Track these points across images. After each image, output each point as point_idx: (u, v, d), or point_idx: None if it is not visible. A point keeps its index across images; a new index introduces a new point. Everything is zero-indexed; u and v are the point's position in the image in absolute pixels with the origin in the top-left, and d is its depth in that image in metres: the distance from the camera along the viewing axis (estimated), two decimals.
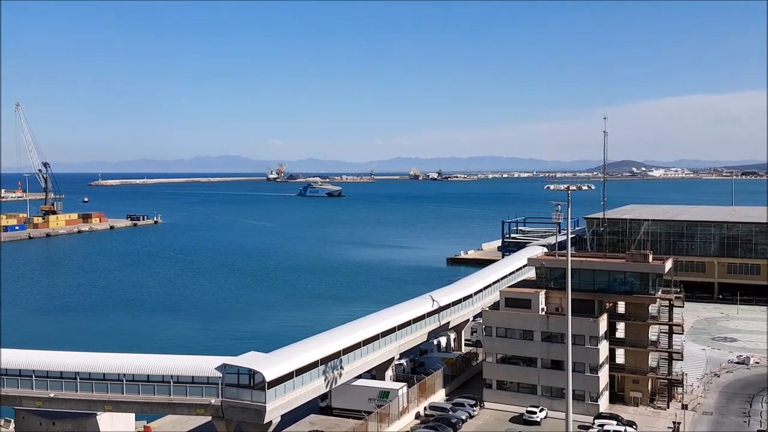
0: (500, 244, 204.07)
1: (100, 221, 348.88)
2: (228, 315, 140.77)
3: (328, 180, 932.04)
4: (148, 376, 63.63)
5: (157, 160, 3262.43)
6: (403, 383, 76.80)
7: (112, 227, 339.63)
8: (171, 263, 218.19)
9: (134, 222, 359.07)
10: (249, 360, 64.11)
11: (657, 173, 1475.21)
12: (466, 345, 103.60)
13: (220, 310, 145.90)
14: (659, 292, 77.65)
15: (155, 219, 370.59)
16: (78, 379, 63.94)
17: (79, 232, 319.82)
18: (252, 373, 61.91)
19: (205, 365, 63.71)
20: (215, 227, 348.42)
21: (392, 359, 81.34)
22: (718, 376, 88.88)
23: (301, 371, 64.89)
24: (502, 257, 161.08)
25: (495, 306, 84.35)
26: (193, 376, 62.86)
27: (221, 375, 62.28)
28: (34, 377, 64.55)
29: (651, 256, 79.25)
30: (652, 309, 78.43)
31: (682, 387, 79.77)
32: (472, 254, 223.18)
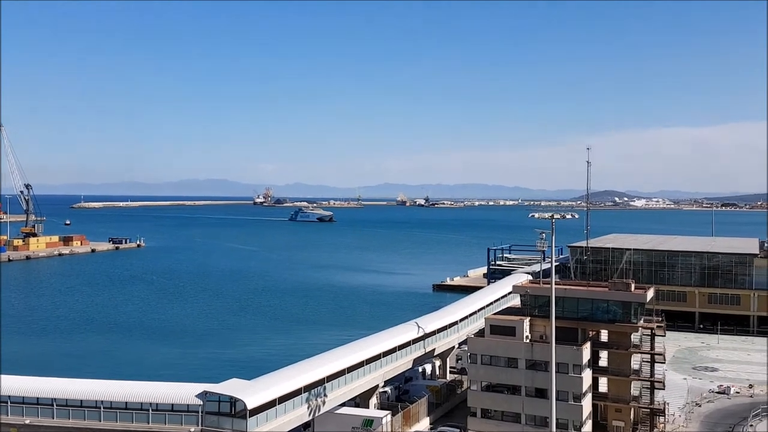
0: (486, 271, 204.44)
1: (81, 244, 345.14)
2: (210, 340, 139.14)
3: (316, 205, 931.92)
4: (126, 403, 62.64)
5: (142, 182, 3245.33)
6: (388, 411, 76.15)
7: (93, 250, 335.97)
8: (152, 287, 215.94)
9: (116, 245, 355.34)
10: (230, 387, 63.37)
11: (639, 203, 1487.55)
12: (451, 372, 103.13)
13: (201, 336, 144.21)
14: (641, 321, 78.01)
15: (138, 242, 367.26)
16: (54, 406, 62.81)
17: (60, 255, 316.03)
18: (233, 401, 61.16)
19: (185, 392, 62.85)
20: (200, 251, 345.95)
21: (377, 387, 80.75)
22: (700, 406, 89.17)
23: (283, 399, 64.22)
24: (488, 284, 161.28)
25: (480, 333, 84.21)
26: (172, 404, 61.97)
27: (202, 403, 61.46)
28: (9, 403, 63.33)
29: (633, 285, 79.73)
30: (635, 338, 78.69)
31: (664, 416, 79.87)
32: (458, 281, 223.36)
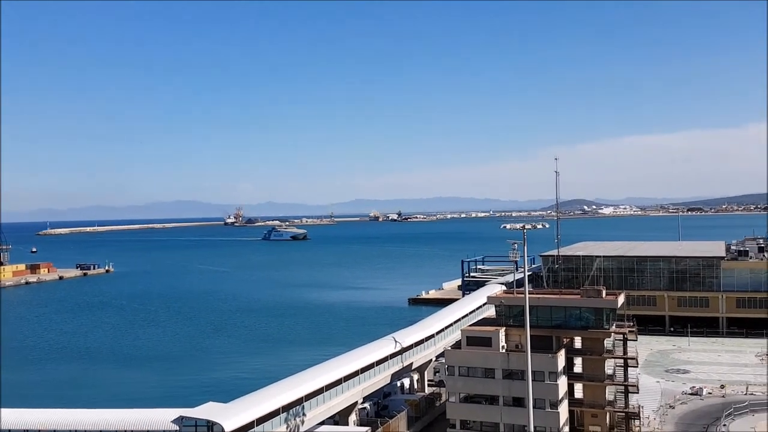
0: (460, 283, 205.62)
1: (48, 271, 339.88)
2: (184, 364, 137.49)
3: (288, 223, 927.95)
4: (100, 431, 61.72)
5: (109, 206, 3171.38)
6: (367, 428, 76.13)
7: (61, 277, 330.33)
8: (123, 312, 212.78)
9: (84, 271, 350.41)
10: (207, 411, 62.76)
11: (607, 211, 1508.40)
12: (429, 385, 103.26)
13: (176, 360, 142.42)
14: (613, 327, 79.27)
15: (107, 268, 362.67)
16: None
17: (27, 283, 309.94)
18: (210, 425, 60.55)
19: (161, 418, 62.11)
20: (171, 274, 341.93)
21: (355, 403, 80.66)
22: (673, 408, 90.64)
23: (261, 420, 63.81)
24: (463, 296, 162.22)
25: (457, 345, 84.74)
26: (147, 430, 61.20)
27: (178, 428, 60.73)
28: None
29: (604, 292, 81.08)
30: (607, 343, 79.94)
31: (639, 419, 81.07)
32: (433, 294, 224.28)
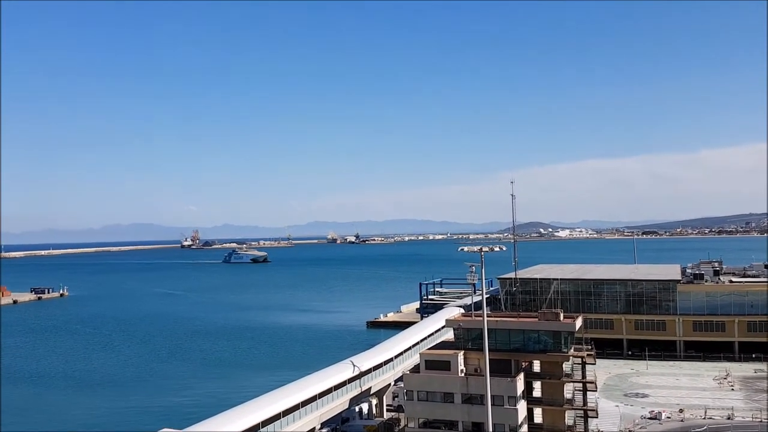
0: (419, 306, 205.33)
1: (2, 295, 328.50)
2: (139, 389, 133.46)
3: (247, 245, 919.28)
4: None
5: (64, 230, 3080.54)
6: None
7: (15, 301, 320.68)
8: (77, 336, 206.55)
9: (39, 295, 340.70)
10: None
11: (563, 234, 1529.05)
12: (388, 410, 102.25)
13: (129, 385, 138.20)
14: (572, 350, 79.69)
15: (61, 291, 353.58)
16: None
17: None
18: None
19: None
20: (127, 298, 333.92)
21: (313, 429, 79.24)
22: None
23: None
24: (421, 319, 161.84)
25: (416, 369, 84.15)
26: None
27: None
28: None
29: (562, 315, 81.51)
30: (566, 367, 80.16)
31: None
32: (391, 317, 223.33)
